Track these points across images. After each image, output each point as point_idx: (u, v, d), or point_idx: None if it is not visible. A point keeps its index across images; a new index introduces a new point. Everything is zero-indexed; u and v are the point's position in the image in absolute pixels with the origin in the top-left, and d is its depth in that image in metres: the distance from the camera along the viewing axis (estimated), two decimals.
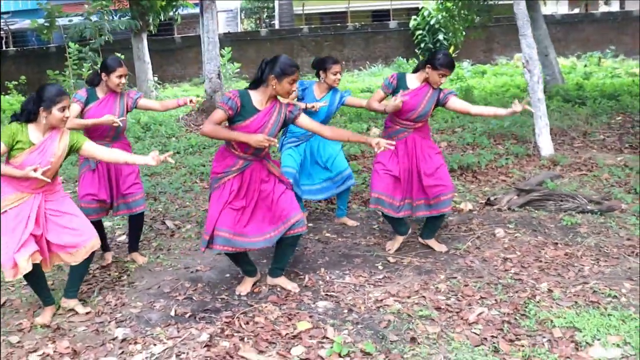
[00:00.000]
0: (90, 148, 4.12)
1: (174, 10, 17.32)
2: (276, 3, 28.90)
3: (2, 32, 25.27)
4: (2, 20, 25.30)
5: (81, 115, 4.84)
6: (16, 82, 18.15)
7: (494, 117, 4.78)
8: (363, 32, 22.47)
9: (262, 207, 4.21)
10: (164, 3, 16.61)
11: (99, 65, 11.06)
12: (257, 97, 4.03)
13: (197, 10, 19.57)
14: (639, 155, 7.61)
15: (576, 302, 3.94)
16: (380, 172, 4.86)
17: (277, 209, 4.18)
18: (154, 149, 9.61)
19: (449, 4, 14.73)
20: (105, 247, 5.26)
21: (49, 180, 3.92)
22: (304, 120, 4.16)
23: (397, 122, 4.83)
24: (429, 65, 4.67)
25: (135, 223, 5.23)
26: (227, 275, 4.80)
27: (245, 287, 4.48)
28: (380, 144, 3.96)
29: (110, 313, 4.25)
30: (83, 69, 12.11)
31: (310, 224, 5.96)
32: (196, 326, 3.92)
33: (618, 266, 4.50)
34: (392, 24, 22.95)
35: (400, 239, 5.13)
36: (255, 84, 4.05)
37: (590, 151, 8.06)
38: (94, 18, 14.86)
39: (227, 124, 4.13)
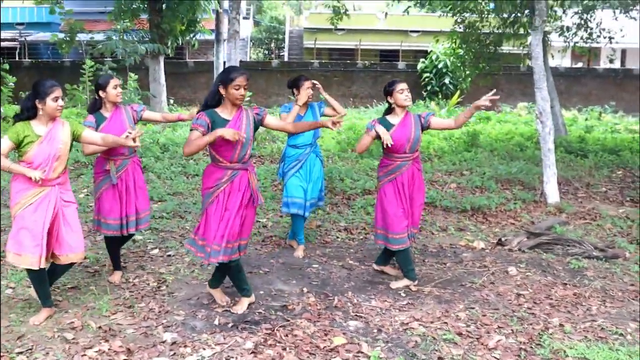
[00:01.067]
0: (89, 135, 4.58)
1: (192, 35, 17.89)
2: (286, 35, 29.63)
3: (17, 43, 25.74)
4: (16, 32, 25.81)
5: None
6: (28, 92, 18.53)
7: (469, 118, 5.23)
8: (372, 70, 23.10)
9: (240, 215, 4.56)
10: (183, 28, 17.18)
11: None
12: (223, 111, 4.41)
13: (212, 36, 20.23)
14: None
15: (586, 336, 4.34)
16: (389, 211, 5.24)
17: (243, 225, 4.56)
18: (174, 169, 10.03)
19: (459, 51, 15.32)
20: (116, 265, 5.54)
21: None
22: (270, 120, 4.61)
23: (396, 157, 5.19)
24: (388, 96, 5.19)
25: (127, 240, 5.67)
26: (261, 292, 5.16)
27: (241, 306, 4.77)
28: (335, 122, 4.31)
29: (156, 319, 4.60)
30: None
31: (332, 252, 6.36)
32: (240, 335, 4.28)
33: (623, 308, 4.91)
34: (401, 64, 23.60)
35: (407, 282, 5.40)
36: (216, 101, 4.43)
37: (593, 202, 8.52)
38: (115, 37, 15.36)
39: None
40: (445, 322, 4.57)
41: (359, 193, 8.67)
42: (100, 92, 5.20)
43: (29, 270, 4.47)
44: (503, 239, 6.58)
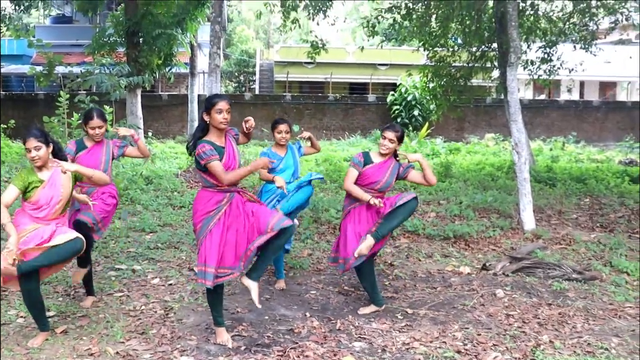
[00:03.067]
0: (90, 172, 4.84)
1: (169, 68, 18.15)
2: (257, 68, 30.09)
3: None
4: None
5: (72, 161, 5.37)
6: (5, 126, 18.54)
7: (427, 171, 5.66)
8: (343, 103, 23.64)
9: (245, 225, 4.68)
10: (159, 62, 17.43)
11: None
12: (214, 138, 4.61)
13: (186, 70, 20.53)
14: (609, 234, 8.55)
15: (575, 351, 4.70)
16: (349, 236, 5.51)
17: (255, 220, 4.65)
18: (160, 201, 10.23)
19: (431, 84, 15.89)
20: (89, 290, 5.74)
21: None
22: (240, 141, 4.94)
23: (365, 189, 5.47)
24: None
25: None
26: (266, 317, 5.42)
27: (222, 337, 4.83)
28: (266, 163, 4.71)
29: (170, 344, 4.82)
30: (72, 118, 12.66)
31: (326, 278, 6.65)
32: (255, 357, 4.53)
33: (605, 325, 5.30)
34: (371, 97, 24.20)
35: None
36: (202, 129, 4.64)
37: (566, 228, 8.99)
38: (101, 70, 15.52)
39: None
40: (444, 342, 4.88)
41: None
42: (84, 125, 5.56)
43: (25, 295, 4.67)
44: (487, 264, 6.96)
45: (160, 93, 23.83)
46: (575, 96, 28.56)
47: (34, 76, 17.11)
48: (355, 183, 5.50)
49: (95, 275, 6.56)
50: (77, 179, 4.80)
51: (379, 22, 13.77)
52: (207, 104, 4.56)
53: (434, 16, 13.87)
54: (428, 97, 16.58)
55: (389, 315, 5.53)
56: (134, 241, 7.99)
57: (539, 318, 5.42)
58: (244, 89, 31.33)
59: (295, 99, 23.75)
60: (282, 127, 6.19)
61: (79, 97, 13.13)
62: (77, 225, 5.21)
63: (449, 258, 7.46)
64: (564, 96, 26.49)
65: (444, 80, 14.98)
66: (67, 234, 4.59)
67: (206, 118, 4.57)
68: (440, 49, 14.70)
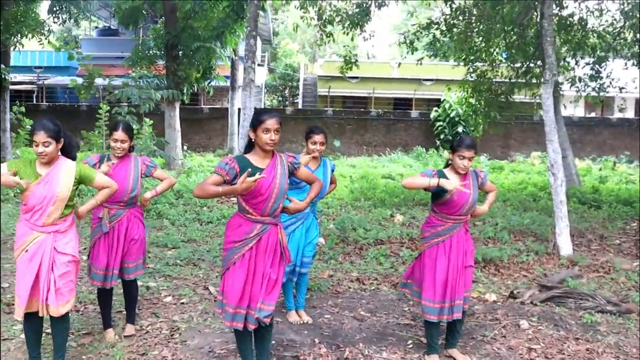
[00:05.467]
0: (102, 180, 4.39)
1: (207, 82, 18.25)
2: (300, 83, 30.07)
3: (35, 86, 26.35)
4: (34, 75, 26.43)
5: None
6: None
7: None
8: (385, 118, 23.34)
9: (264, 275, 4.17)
10: (198, 75, 17.54)
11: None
12: (256, 158, 4.06)
13: (227, 83, 20.61)
14: None
15: None
16: (428, 276, 4.78)
17: (267, 287, 4.15)
18: (188, 216, 10.13)
19: (471, 99, 15.48)
20: (106, 322, 5.28)
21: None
22: (302, 171, 4.30)
23: (449, 218, 4.72)
24: (450, 152, 4.76)
25: (129, 290, 5.37)
26: (273, 342, 5.17)
27: None
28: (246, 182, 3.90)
29: None
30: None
31: (344, 302, 6.37)
32: None
33: None
34: (414, 113, 23.84)
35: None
36: (249, 146, 4.17)
37: (607, 254, 8.49)
38: (131, 83, 15.70)
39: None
40: None
41: (371, 243, 8.70)
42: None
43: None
44: (515, 292, 6.57)
45: (202, 106, 23.99)
46: (630, 114, 27.54)
47: (75, 88, 17.46)
48: (441, 211, 4.74)
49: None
50: (82, 181, 4.31)
51: (417, 39, 13.46)
52: (254, 120, 4.03)
53: (475, 30, 13.47)
54: (470, 113, 16.10)
55: (402, 344, 5.22)
56: (154, 257, 7.88)
57: (563, 354, 5.03)
58: (287, 103, 31.32)
59: (337, 114, 23.57)
60: (318, 137, 5.52)
61: (115, 109, 13.26)
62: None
63: (475, 284, 7.07)
64: (617, 115, 25.55)
65: (484, 95, 14.53)
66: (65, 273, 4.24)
67: (252, 135, 4.06)
68: (481, 64, 14.27)
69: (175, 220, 10.02)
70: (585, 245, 8.97)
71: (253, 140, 4.07)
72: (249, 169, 3.93)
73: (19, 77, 25.99)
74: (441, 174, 4.71)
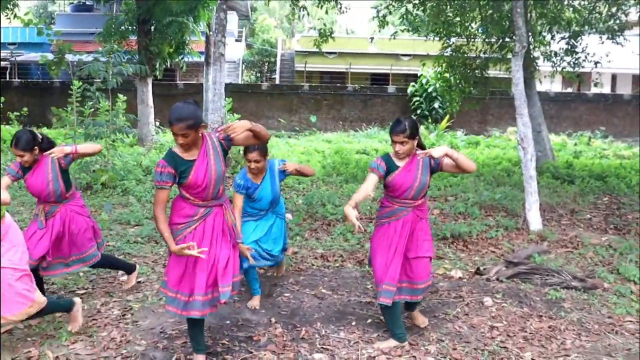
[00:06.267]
0: None
1: (181, 57, 17.84)
2: (278, 58, 29.70)
3: (8, 63, 25.75)
4: (8, 52, 25.82)
5: (15, 181, 5.00)
6: (18, 113, 18.46)
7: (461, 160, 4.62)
8: (362, 94, 23.11)
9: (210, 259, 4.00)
10: (171, 50, 17.14)
11: (100, 105, 11.19)
12: (182, 150, 3.88)
13: (201, 59, 20.22)
14: (623, 237, 7.94)
15: None
16: (377, 257, 4.64)
17: (219, 269, 4.01)
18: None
19: (447, 74, 15.32)
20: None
21: None
22: (239, 137, 3.95)
23: (395, 200, 4.60)
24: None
25: (104, 264, 5.54)
26: (228, 321, 5.01)
27: None
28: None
29: (116, 349, 4.46)
30: (85, 107, 12.45)
31: (305, 279, 6.21)
32: None
33: (598, 342, 4.76)
34: (391, 88, 23.63)
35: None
36: None
37: (577, 229, 8.40)
38: (102, 58, 15.32)
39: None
40: (414, 356, 4.43)
41: (339, 219, 8.54)
42: None
43: None
44: (481, 268, 6.45)
45: (177, 82, 23.58)
46: (606, 89, 27.51)
47: (45, 64, 16.99)
48: (389, 194, 4.63)
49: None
50: None
51: (390, 13, 13.20)
52: (168, 118, 3.78)
53: (449, 3, 13.26)
54: (445, 88, 15.95)
55: (361, 323, 5.07)
56: (115, 234, 7.68)
57: (525, 331, 4.91)
58: (264, 78, 30.95)
59: (313, 89, 23.29)
60: (251, 155, 5.28)
61: (84, 85, 12.89)
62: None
63: (442, 260, 6.95)
64: (593, 90, 25.55)
65: (459, 70, 14.37)
66: None
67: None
68: (456, 38, 14.09)
69: (141, 197, 9.80)
70: (556, 220, 8.89)
71: None
72: (191, 243, 3.77)
73: None
74: (386, 159, 4.61)
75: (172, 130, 3.78)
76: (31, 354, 4.32)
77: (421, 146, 4.72)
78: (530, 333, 4.89)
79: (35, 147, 4.92)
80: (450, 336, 4.82)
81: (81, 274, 6.16)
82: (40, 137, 5.01)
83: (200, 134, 3.88)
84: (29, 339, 4.59)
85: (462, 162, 4.47)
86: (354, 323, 5.07)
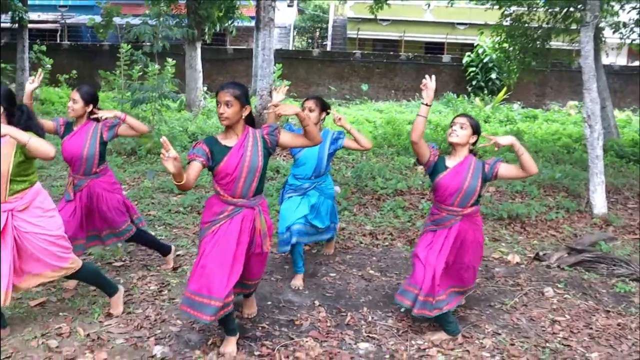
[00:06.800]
0: (35, 143, 3.64)
1: (230, 22, 17.53)
2: (330, 24, 29.11)
3: (58, 25, 25.87)
4: (58, 14, 25.94)
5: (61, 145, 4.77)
6: (67, 76, 18.52)
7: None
8: (415, 62, 22.44)
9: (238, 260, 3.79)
10: (220, 14, 16.83)
11: (149, 69, 10.99)
12: (224, 135, 3.76)
13: (252, 24, 19.88)
14: None
15: None
16: (418, 266, 4.23)
17: (245, 270, 3.84)
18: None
19: (505, 45, 14.61)
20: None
21: None
22: (285, 138, 3.83)
23: (442, 208, 4.24)
24: None
25: (139, 240, 5.25)
26: (269, 302, 4.73)
27: (229, 347, 3.93)
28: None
29: (150, 328, 4.23)
30: (133, 70, 12.30)
31: (352, 259, 5.88)
32: (236, 354, 3.86)
33: None
34: (446, 57, 22.88)
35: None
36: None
37: None
38: (151, 22, 15.13)
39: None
40: (467, 350, 4.07)
41: (389, 194, 8.16)
42: None
43: None
44: (541, 254, 6.00)
45: (227, 47, 23.29)
46: None
47: (93, 27, 16.94)
48: (436, 200, 4.29)
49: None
50: (25, 152, 3.69)
51: None
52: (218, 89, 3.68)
53: None
54: (503, 59, 15.22)
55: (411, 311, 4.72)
56: (157, 203, 7.47)
57: (591, 328, 4.49)
58: (316, 45, 30.40)
59: (365, 57, 22.68)
60: (307, 103, 5.05)
61: (131, 49, 12.71)
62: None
63: (498, 242, 6.52)
64: None
65: (519, 41, 13.64)
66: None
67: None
68: (517, 7, 13.34)
69: (185, 165, 9.56)
70: (622, 204, 8.31)
71: None
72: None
73: (43, 15, 25.49)
74: (440, 157, 4.28)
75: (217, 98, 3.66)
76: (62, 330, 4.13)
77: (473, 153, 4.33)
78: (596, 330, 4.46)
79: (90, 104, 4.76)
80: (508, 329, 4.43)
81: (119, 244, 5.94)
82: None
83: (242, 117, 3.71)
84: (61, 313, 4.40)
85: (526, 161, 4.07)
86: (402, 310, 4.72)
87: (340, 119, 5.21)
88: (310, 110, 5.01)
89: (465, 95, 20.98)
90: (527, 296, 5.06)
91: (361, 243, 6.39)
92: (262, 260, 4.02)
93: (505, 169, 4.17)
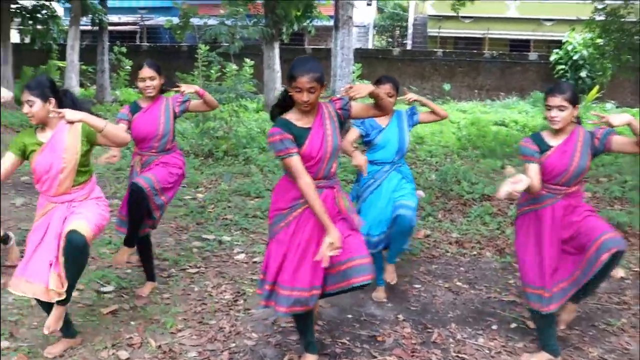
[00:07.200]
0: (112, 130, 3.55)
1: (308, 21, 17.37)
2: (410, 22, 28.57)
3: (137, 27, 26.48)
4: (138, 16, 26.57)
5: (129, 127, 4.54)
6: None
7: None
8: (500, 61, 21.62)
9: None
10: (298, 13, 16.69)
11: (227, 70, 10.91)
12: (297, 117, 3.37)
13: (330, 23, 19.66)
14: None
15: None
16: (519, 253, 3.90)
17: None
18: (278, 162, 9.49)
19: (599, 41, 13.80)
20: (150, 275, 4.84)
21: None
22: (357, 108, 3.51)
23: (544, 186, 3.75)
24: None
25: (143, 248, 4.82)
26: (349, 316, 4.44)
27: None
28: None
29: (224, 341, 4.01)
30: (211, 71, 12.29)
31: (438, 269, 5.50)
32: None
33: None
34: (532, 55, 21.95)
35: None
36: (284, 102, 3.45)
37: None
38: (227, 22, 15.12)
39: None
40: None
41: (476, 199, 7.71)
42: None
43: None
44: None
45: (305, 46, 23.16)
46: None
47: (171, 28, 17.12)
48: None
49: (178, 245, 5.94)
50: (91, 140, 3.64)
51: None
52: (288, 73, 3.27)
53: None
54: (597, 56, 14.39)
55: (504, 328, 4.32)
56: (234, 207, 7.31)
57: None
58: (395, 44, 29.89)
59: (447, 56, 22.05)
60: (384, 87, 4.58)
61: (207, 49, 12.71)
62: (132, 191, 4.45)
63: None
64: None
65: (615, 36, 12.82)
66: (74, 222, 3.52)
67: (290, 91, 3.31)
68: (612, 1, 12.55)
69: (263, 167, 9.41)
70: None
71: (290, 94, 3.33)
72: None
73: (123, 18, 26.14)
74: (536, 138, 3.81)
75: (297, 85, 3.24)
76: (133, 340, 3.96)
77: (579, 121, 3.85)
78: None
79: (163, 83, 4.63)
80: (616, 354, 3.96)
81: (195, 249, 5.81)
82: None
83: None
84: (132, 322, 4.24)
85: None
86: (494, 327, 4.33)
87: (412, 99, 4.83)
88: (390, 96, 4.57)
89: None
90: (636, 317, 4.55)
91: (447, 252, 6.00)
92: (359, 240, 3.51)
93: (619, 143, 3.65)
